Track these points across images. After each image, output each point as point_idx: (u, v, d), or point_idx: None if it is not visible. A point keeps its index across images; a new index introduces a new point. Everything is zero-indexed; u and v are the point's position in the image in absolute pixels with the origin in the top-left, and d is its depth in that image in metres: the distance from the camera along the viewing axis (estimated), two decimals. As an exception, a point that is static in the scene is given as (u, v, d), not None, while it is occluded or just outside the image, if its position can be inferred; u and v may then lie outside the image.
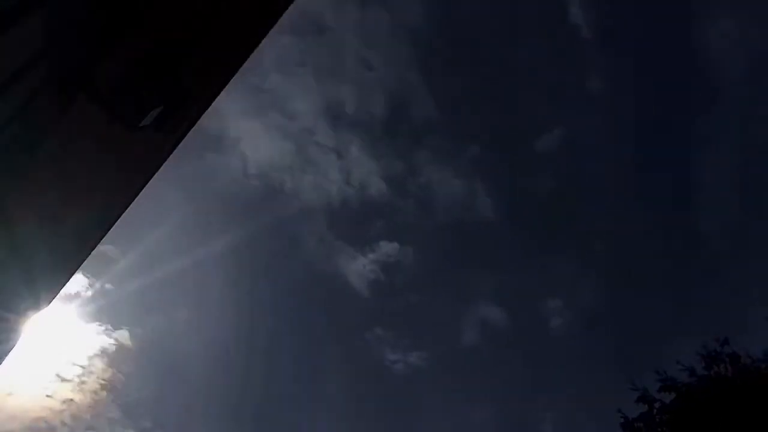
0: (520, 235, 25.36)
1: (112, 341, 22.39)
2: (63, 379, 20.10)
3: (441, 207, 24.14)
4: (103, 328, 21.58)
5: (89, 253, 5.52)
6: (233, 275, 23.31)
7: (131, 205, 4.89)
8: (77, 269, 5.44)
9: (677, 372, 10.92)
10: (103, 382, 20.80)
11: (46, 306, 5.91)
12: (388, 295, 24.86)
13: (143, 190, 4.78)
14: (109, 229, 5.33)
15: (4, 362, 6.00)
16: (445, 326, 25.52)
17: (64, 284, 5.70)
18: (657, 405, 10.87)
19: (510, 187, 24.28)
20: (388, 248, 24.24)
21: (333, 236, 24.38)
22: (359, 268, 24.09)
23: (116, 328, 22.04)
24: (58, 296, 5.69)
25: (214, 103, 4.52)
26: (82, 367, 20.79)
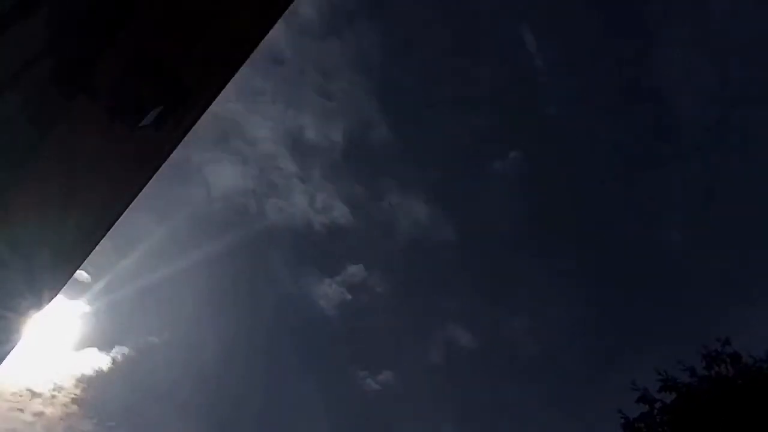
0: (482, 256, 25.84)
1: (86, 359, 22.60)
2: (34, 394, 20.21)
3: (403, 230, 24.69)
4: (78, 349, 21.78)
5: (90, 252, 5.53)
6: (200, 299, 23.51)
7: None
8: (78, 268, 5.45)
9: (678, 372, 10.93)
10: (74, 396, 20.94)
11: (47, 305, 5.92)
12: (355, 316, 25.36)
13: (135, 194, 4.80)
14: (110, 228, 5.34)
15: (4, 362, 6.01)
16: (413, 346, 25.97)
17: (65, 283, 5.71)
18: (658, 405, 10.86)
19: (470, 209, 24.82)
20: (353, 270, 25.01)
21: (299, 259, 24.89)
22: (326, 289, 24.57)
23: (90, 347, 22.21)
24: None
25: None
26: (54, 383, 20.93)
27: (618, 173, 24.75)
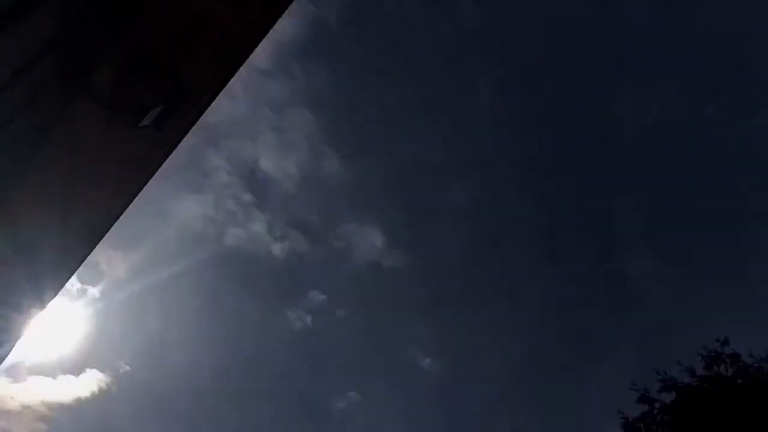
0: (438, 280, 26.36)
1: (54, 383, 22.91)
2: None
3: (360, 257, 25.39)
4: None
5: (91, 251, 5.55)
6: (160, 326, 23.83)
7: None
8: (78, 267, 5.47)
9: (678, 372, 10.95)
10: (41, 414, 21.18)
11: (49, 303, 5.94)
12: (319, 341, 25.93)
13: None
14: (110, 227, 5.35)
15: (4, 361, 6.04)
16: (376, 367, 26.39)
17: (66, 282, 5.73)
18: (657, 405, 10.88)
19: (423, 239, 25.47)
20: (314, 296, 25.82)
21: (259, 285, 25.41)
22: (289, 315, 25.21)
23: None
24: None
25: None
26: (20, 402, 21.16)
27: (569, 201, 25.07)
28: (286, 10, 4.25)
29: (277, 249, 24.21)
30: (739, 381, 10.17)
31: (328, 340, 26.23)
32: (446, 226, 25.30)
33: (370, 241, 25.13)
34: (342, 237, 25.05)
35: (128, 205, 4.90)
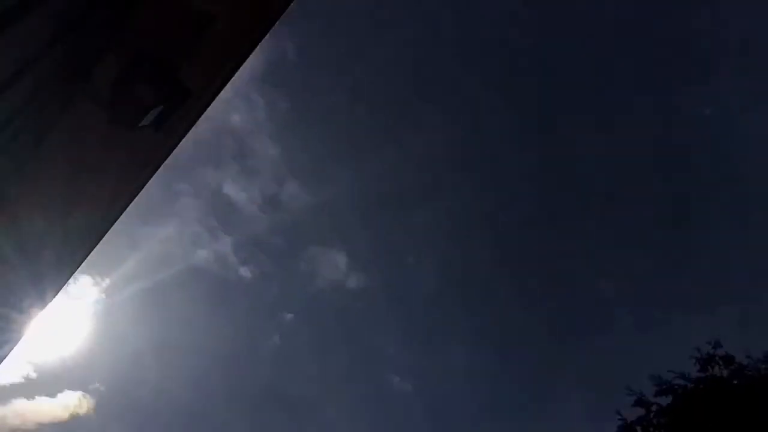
0: (404, 303, 26.64)
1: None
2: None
3: (324, 279, 25.89)
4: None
5: (91, 250, 5.56)
6: (130, 347, 24.12)
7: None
8: (78, 267, 5.47)
9: (672, 377, 10.98)
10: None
11: (49, 303, 5.95)
12: (287, 360, 26.40)
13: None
14: (110, 227, 5.35)
15: (4, 361, 6.05)
16: (346, 386, 26.69)
17: (66, 281, 5.73)
18: (654, 408, 10.90)
19: (387, 260, 25.84)
20: (282, 316, 26.50)
21: (227, 307, 25.78)
22: (260, 336, 25.67)
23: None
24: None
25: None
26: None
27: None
28: (286, 10, 4.24)
29: (244, 271, 24.94)
30: (735, 382, 10.19)
31: (296, 358, 26.71)
32: (410, 248, 25.85)
33: (333, 263, 25.82)
34: (307, 259, 25.75)
35: (128, 206, 4.91)
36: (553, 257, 25.33)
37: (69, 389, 23.95)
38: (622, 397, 11.29)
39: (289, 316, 26.34)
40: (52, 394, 23.26)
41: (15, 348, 5.94)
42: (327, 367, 26.38)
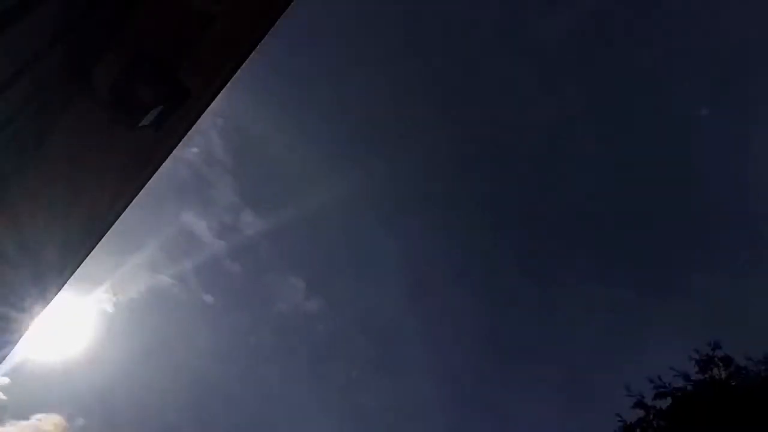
0: (363, 325, 26.95)
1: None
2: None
3: (282, 304, 26.36)
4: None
5: (92, 250, 5.57)
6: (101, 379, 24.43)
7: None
8: (79, 266, 5.48)
9: (672, 378, 10.98)
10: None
11: (50, 301, 5.97)
12: (257, 383, 27.01)
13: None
14: (110, 226, 5.36)
15: (4, 361, 6.07)
16: (317, 408, 26.93)
17: (67, 281, 5.75)
18: (653, 411, 10.91)
19: (344, 285, 26.21)
20: (240, 341, 27.47)
21: (187, 333, 26.26)
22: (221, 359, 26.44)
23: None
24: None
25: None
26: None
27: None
28: (286, 10, 4.23)
29: (208, 298, 25.57)
30: (733, 383, 10.18)
31: (263, 384, 27.17)
32: (366, 273, 26.19)
33: (290, 288, 26.44)
34: (264, 284, 26.36)
35: (128, 205, 4.91)
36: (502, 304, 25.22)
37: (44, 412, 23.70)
38: (622, 399, 11.29)
39: (249, 338, 26.91)
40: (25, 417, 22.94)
41: (16, 345, 5.96)
42: (289, 395, 26.74)
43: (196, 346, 25.79)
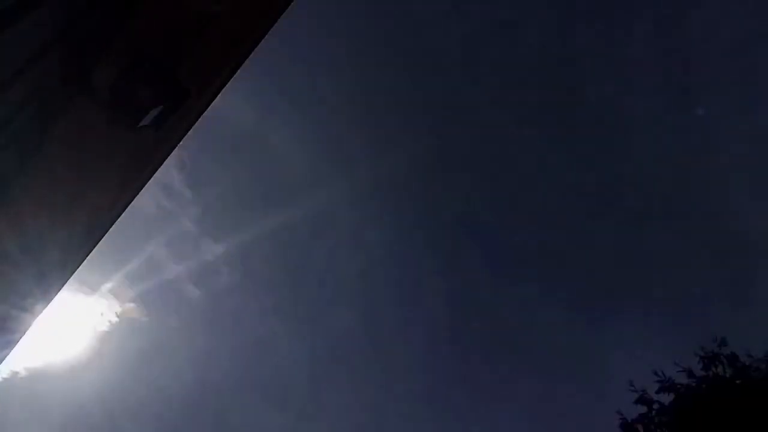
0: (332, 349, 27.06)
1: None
2: None
3: (246, 327, 26.80)
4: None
5: (92, 249, 5.58)
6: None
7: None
8: (79, 266, 5.50)
9: (675, 373, 10.94)
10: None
11: (51, 301, 5.98)
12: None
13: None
14: (111, 226, 5.38)
15: (4, 360, 6.10)
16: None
17: (67, 280, 5.76)
18: (656, 406, 10.88)
19: (309, 308, 26.29)
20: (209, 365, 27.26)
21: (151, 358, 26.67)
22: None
23: None
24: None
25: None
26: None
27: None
28: (286, 10, 4.23)
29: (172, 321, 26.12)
30: (738, 381, 10.15)
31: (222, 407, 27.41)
32: (333, 296, 26.21)
33: (254, 311, 26.74)
34: (228, 310, 26.67)
35: (128, 205, 4.92)
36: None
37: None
38: (623, 394, 11.26)
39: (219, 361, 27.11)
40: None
41: (17, 345, 5.98)
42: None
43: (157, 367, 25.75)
